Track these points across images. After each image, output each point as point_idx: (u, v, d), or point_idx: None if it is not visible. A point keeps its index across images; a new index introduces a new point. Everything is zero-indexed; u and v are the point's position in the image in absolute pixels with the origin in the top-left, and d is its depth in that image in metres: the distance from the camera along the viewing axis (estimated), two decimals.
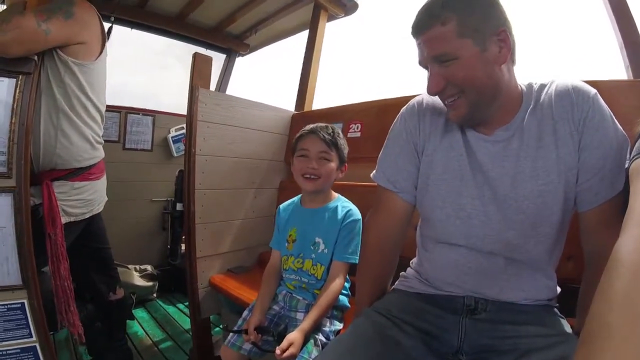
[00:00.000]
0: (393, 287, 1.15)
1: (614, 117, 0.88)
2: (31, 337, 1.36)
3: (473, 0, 0.86)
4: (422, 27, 0.89)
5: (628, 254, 0.48)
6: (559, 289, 1.01)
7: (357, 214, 1.42)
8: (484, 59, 0.86)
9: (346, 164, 1.46)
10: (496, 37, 0.86)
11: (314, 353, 1.18)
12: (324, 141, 1.37)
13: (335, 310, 1.38)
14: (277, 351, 1.12)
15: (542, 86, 0.95)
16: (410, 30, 0.92)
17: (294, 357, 1.14)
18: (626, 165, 0.84)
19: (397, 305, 1.02)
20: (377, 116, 1.98)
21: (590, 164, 0.87)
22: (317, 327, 1.26)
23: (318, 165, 1.38)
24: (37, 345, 1.37)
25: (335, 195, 1.50)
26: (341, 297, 1.39)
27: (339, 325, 1.35)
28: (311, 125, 1.42)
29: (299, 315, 1.34)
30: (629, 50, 1.46)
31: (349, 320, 1.36)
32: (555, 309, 0.98)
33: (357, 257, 1.34)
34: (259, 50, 3.51)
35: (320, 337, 1.24)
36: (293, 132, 2.37)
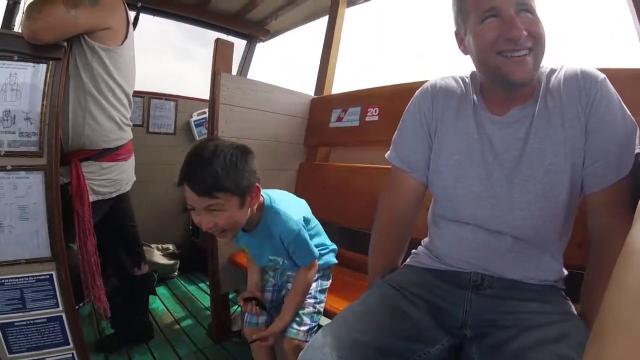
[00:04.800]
0: (404, 263, 1.18)
1: (622, 102, 0.89)
2: (58, 307, 1.44)
3: None
4: None
5: None
6: (566, 272, 1.02)
7: (291, 229, 1.22)
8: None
9: (257, 185, 1.15)
10: None
11: (305, 315, 1.30)
12: (202, 194, 1.04)
13: (321, 271, 1.41)
14: (254, 336, 1.25)
15: (552, 70, 0.97)
16: None
17: (272, 345, 1.24)
18: (637, 151, 0.86)
19: (406, 279, 1.06)
20: (394, 100, 1.98)
21: (596, 147, 0.88)
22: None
23: (212, 220, 1.08)
24: (63, 315, 1.45)
25: (260, 201, 1.23)
26: (326, 257, 1.41)
27: (326, 284, 1.42)
28: (184, 163, 1.08)
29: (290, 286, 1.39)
30: None
31: (341, 285, 1.47)
32: (562, 291, 1.00)
33: (317, 254, 1.30)
34: (279, 36, 3.54)
35: (308, 300, 1.33)
36: (312, 116, 2.43)
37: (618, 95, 0.89)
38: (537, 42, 0.86)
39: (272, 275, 1.46)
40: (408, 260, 1.17)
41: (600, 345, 0.39)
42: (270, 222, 1.23)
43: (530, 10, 0.86)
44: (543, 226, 0.95)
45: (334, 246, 1.48)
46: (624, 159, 0.86)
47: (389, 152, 1.17)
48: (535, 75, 0.90)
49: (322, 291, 1.39)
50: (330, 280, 1.45)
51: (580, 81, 0.90)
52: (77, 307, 1.56)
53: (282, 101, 2.27)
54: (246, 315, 1.39)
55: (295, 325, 1.27)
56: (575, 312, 0.91)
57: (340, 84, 2.58)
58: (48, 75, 1.39)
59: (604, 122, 0.88)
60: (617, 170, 0.87)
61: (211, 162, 1.04)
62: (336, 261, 1.47)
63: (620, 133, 0.87)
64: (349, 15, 2.68)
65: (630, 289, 0.40)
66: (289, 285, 1.41)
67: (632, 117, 0.88)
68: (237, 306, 2.31)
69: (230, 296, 2.15)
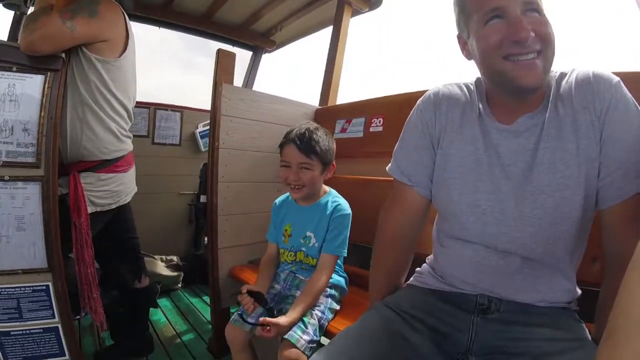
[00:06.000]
0: (407, 282, 1.13)
1: (638, 107, 0.82)
2: (54, 318, 1.44)
3: None
4: None
5: None
6: (579, 292, 0.96)
7: (345, 208, 1.49)
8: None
9: (333, 164, 1.51)
10: None
11: (310, 325, 1.29)
12: (302, 151, 1.41)
13: (334, 289, 1.45)
14: (260, 319, 1.23)
15: (563, 75, 0.90)
16: None
17: (269, 337, 1.22)
18: None
19: (408, 301, 1.00)
20: (400, 110, 1.94)
21: (613, 157, 0.81)
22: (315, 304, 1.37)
23: (299, 175, 1.43)
24: (60, 326, 1.45)
25: (327, 189, 1.57)
26: (339, 279, 1.52)
27: (336, 306, 1.43)
28: (294, 130, 1.45)
29: (299, 294, 1.39)
30: None
31: (346, 304, 1.47)
32: (575, 313, 0.94)
33: (345, 251, 1.46)
34: (286, 46, 3.54)
35: (316, 312, 1.34)
36: None
37: (634, 100, 0.83)
38: (546, 44, 0.80)
39: (283, 278, 1.49)
40: (411, 279, 1.13)
41: (613, 343, 0.40)
42: (332, 198, 1.52)
43: (538, 9, 0.81)
44: (555, 244, 0.88)
45: (346, 276, 1.58)
46: None
47: (390, 164, 1.10)
48: (546, 79, 0.84)
49: (330, 310, 1.40)
50: (339, 306, 1.46)
51: (593, 85, 0.83)
52: (77, 318, 1.55)
53: (286, 112, 2.25)
54: (235, 314, 1.38)
55: (298, 331, 1.25)
56: (590, 337, 0.85)
57: (346, 94, 2.57)
58: (46, 87, 1.39)
59: (620, 129, 0.81)
60: (635, 182, 0.80)
61: (317, 134, 1.43)
62: (347, 289, 1.54)
63: (638, 141, 0.80)
64: (355, 24, 2.68)
65: None
66: (294, 294, 1.43)
67: None
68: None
69: (232, 310, 2.12)
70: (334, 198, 1.52)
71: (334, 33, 2.64)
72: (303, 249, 1.50)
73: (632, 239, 0.75)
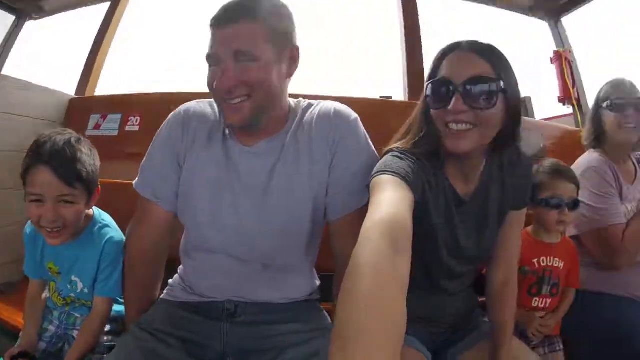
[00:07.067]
0: (160, 297, 1.13)
1: (369, 141, 1.00)
2: None
3: (282, 12, 0.93)
4: (230, 19, 0.87)
5: (365, 259, 0.53)
6: (318, 282, 1.13)
7: (119, 239, 1.18)
8: (278, 69, 0.91)
9: (99, 188, 1.15)
10: (290, 52, 0.94)
11: None
12: (62, 178, 1.02)
13: (113, 323, 1.25)
14: None
15: (310, 105, 1.03)
16: (212, 20, 0.90)
17: None
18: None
19: (159, 318, 1.02)
20: (156, 110, 1.76)
21: (340, 181, 0.96)
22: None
23: (58, 213, 1.04)
24: None
25: (90, 213, 1.20)
26: (119, 308, 1.27)
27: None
28: (45, 145, 1.03)
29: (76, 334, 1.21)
30: (410, 75, 1.63)
31: None
32: (317, 303, 1.10)
33: (119, 293, 1.21)
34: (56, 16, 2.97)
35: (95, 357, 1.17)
36: (71, 120, 2.08)
37: (366, 134, 1.00)
38: (254, 89, 0.88)
39: (57, 317, 1.25)
40: (164, 293, 1.12)
41: (341, 346, 0.43)
42: (98, 227, 1.18)
43: (251, 57, 0.86)
44: (290, 252, 1.00)
45: None
46: (365, 191, 0.88)
47: (137, 179, 1.07)
48: (256, 117, 0.91)
49: (108, 347, 1.21)
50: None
51: (332, 120, 0.97)
52: None
53: (32, 101, 1.91)
54: None
55: None
56: (330, 321, 1.01)
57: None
58: None
59: (348, 159, 0.96)
60: (358, 201, 0.94)
61: (81, 150, 1.06)
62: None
63: (362, 169, 0.94)
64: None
65: (361, 298, 0.47)
66: (71, 334, 1.22)
67: (377, 154, 0.97)
68: None
69: None
70: (101, 228, 1.18)
71: (110, 10, 2.39)
72: (72, 294, 1.20)
73: (354, 245, 0.84)
